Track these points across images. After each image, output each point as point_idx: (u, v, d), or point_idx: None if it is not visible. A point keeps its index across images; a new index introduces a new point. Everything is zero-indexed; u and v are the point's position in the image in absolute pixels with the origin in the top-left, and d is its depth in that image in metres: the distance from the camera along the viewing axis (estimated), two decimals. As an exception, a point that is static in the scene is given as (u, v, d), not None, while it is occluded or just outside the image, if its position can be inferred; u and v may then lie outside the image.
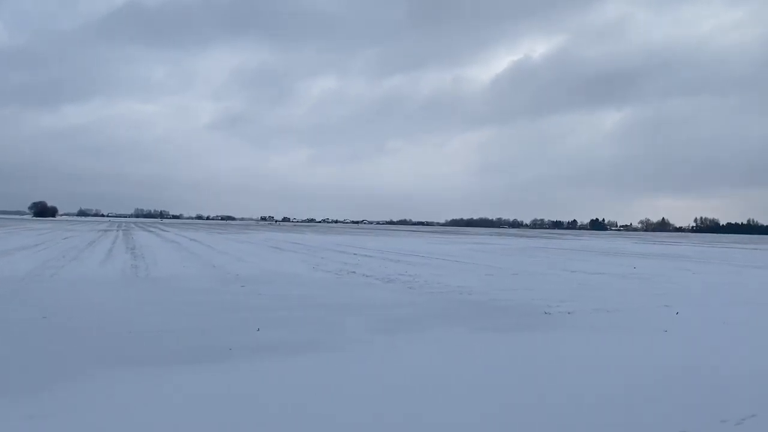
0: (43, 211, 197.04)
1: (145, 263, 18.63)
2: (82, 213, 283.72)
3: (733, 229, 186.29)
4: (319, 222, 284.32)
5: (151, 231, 56.79)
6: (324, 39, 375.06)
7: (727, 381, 6.05)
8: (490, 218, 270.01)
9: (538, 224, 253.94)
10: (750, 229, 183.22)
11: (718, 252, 38.72)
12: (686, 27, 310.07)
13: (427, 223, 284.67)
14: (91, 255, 21.64)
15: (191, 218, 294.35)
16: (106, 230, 55.81)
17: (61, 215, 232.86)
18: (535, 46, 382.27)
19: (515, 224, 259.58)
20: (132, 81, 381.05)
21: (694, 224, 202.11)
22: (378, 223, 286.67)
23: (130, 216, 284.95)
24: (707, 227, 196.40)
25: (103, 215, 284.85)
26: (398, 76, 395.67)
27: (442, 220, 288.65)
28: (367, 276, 16.08)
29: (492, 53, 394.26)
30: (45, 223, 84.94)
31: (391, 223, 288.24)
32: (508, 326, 8.99)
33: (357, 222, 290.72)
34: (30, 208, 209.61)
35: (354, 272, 17.15)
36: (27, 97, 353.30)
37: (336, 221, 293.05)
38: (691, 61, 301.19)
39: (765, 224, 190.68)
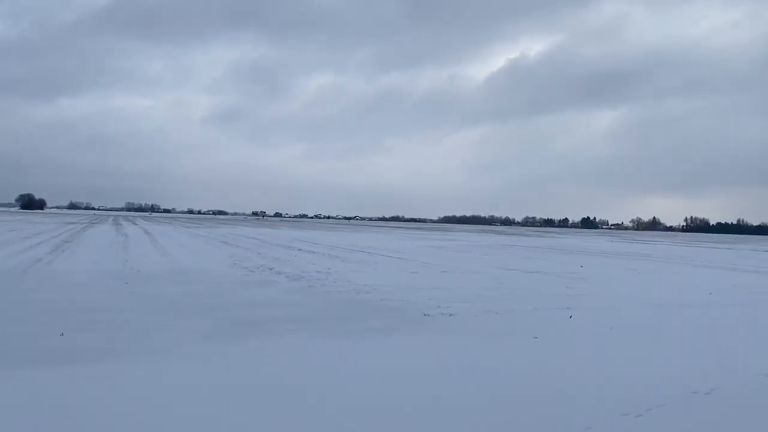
0: (30, 203, 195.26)
1: (57, 257, 17.69)
2: (72, 206, 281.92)
3: (723, 228, 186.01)
4: (311, 218, 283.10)
5: (120, 224, 55.73)
6: (321, 35, 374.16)
7: (557, 403, 5.12)
8: (483, 216, 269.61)
9: (529, 222, 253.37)
10: (740, 229, 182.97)
11: (687, 251, 37.95)
12: (682, 27, 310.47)
13: (420, 220, 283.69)
14: (6, 247, 20.66)
15: (182, 212, 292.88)
16: (73, 223, 54.72)
17: (51, 208, 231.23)
18: (532, 45, 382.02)
19: (507, 222, 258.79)
20: (128, 74, 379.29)
21: (685, 224, 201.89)
22: (370, 219, 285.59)
23: (121, 209, 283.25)
24: (697, 227, 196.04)
25: (93, 208, 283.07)
26: (395, 73, 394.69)
27: (435, 217, 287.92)
28: (279, 273, 15.17)
29: (489, 51, 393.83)
30: (19, 216, 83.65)
31: (383, 219, 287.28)
32: (371, 330, 8.13)
33: (349, 218, 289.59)
34: (17, 200, 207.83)
35: (271, 269, 16.24)
36: (22, 89, 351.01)
37: (328, 217, 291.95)
38: (686, 61, 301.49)
39: (755, 224, 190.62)
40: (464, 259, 22.70)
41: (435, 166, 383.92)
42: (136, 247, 23.45)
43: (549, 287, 13.97)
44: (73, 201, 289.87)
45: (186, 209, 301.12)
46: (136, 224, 58.76)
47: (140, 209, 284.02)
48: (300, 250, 25.19)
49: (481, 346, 7.30)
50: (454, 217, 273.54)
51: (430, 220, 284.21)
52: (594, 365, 6.50)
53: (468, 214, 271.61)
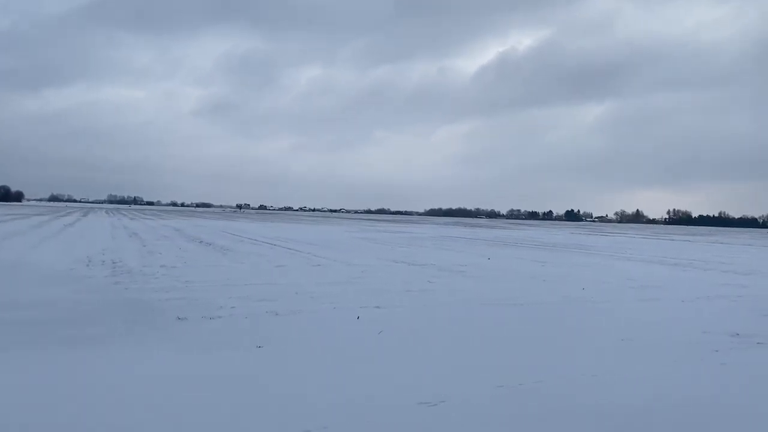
0: (5, 195, 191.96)
1: None
2: (53, 198, 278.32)
3: (704, 221, 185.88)
4: (296, 210, 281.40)
5: (59, 217, 53.82)
6: (312, 28, 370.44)
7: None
8: (469, 208, 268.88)
9: (514, 214, 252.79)
10: (720, 221, 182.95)
11: (636, 244, 36.63)
12: (669, 23, 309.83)
13: (406, 213, 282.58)
14: None
15: (165, 205, 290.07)
16: (24, 215, 52.77)
17: (30, 200, 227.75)
18: (521, 39, 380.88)
19: (492, 214, 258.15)
20: (117, 66, 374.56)
21: (667, 216, 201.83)
22: (356, 212, 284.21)
23: (103, 202, 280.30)
24: (680, 219, 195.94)
25: (75, 201, 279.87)
26: (385, 66, 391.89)
27: (422, 210, 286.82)
28: (115, 268, 13.57)
29: (479, 45, 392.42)
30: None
31: (368, 212, 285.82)
32: (84, 338, 6.53)
33: (334, 210, 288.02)
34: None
35: (115, 263, 14.63)
36: (10, 80, 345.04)
37: (314, 209, 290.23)
38: (673, 56, 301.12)
39: (736, 217, 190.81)
40: (366, 251, 21.15)
41: (424, 159, 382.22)
42: (33, 241, 21.74)
43: (407, 282, 12.44)
44: (55, 193, 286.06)
45: (169, 202, 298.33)
46: (85, 216, 56.86)
47: (122, 201, 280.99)
48: (201, 242, 23.55)
49: (185, 360, 5.74)
50: (440, 209, 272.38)
51: (417, 212, 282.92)
52: (294, 380, 4.93)
53: (454, 206, 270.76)
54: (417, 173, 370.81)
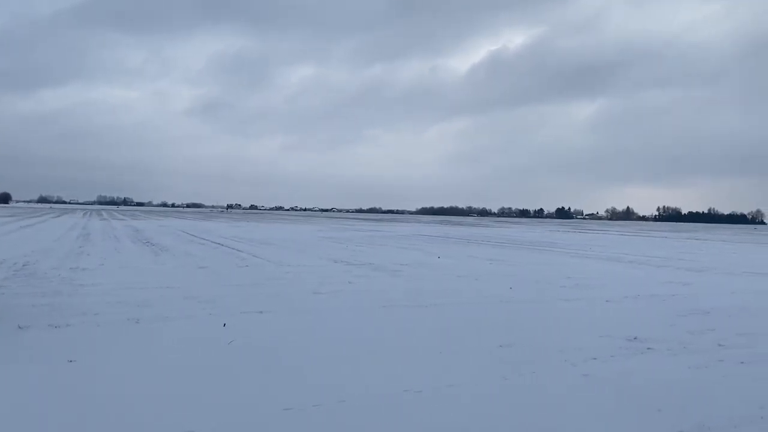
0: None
1: None
2: (42, 200, 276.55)
3: (693, 217, 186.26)
4: (287, 210, 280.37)
5: (41, 219, 52.85)
6: (304, 27, 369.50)
7: None
8: (461, 207, 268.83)
9: (505, 213, 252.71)
10: (710, 218, 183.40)
11: (607, 241, 36.04)
12: (660, 21, 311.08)
13: (398, 212, 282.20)
14: None
15: (156, 205, 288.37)
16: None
17: (18, 202, 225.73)
18: (513, 38, 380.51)
19: (483, 213, 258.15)
20: (109, 66, 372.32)
21: (657, 213, 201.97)
22: (347, 211, 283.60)
23: (93, 203, 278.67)
24: (669, 216, 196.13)
25: (64, 202, 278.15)
26: (378, 65, 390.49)
27: (413, 209, 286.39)
28: (24, 267, 12.80)
29: (472, 44, 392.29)
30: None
31: (360, 211, 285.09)
32: None
33: (325, 210, 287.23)
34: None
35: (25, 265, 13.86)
36: (2, 81, 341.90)
37: (304, 209, 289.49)
38: (663, 54, 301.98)
39: (726, 213, 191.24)
40: (315, 250, 20.37)
41: (416, 158, 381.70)
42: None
43: (325, 283, 11.71)
44: (44, 195, 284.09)
45: (160, 202, 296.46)
46: (57, 218, 55.87)
47: (112, 202, 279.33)
48: (146, 242, 22.74)
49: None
50: (432, 208, 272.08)
51: (409, 211, 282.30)
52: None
53: (446, 205, 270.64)
54: (409, 172, 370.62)
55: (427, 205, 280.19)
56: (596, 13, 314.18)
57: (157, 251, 18.48)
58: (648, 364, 5.90)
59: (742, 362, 6.03)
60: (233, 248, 20.53)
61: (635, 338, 7.12)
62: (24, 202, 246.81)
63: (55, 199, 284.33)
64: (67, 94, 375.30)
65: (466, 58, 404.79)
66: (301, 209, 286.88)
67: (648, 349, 6.58)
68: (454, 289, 11.30)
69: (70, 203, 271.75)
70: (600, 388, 5.04)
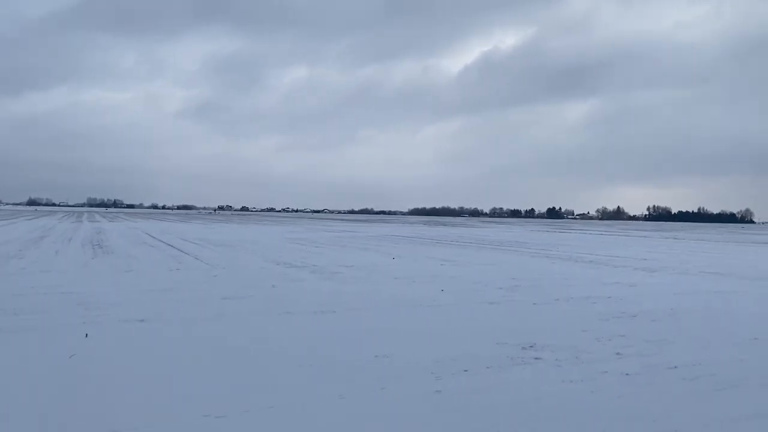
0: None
1: None
2: (31, 202, 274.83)
3: (683, 217, 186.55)
4: (278, 211, 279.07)
5: (7, 222, 51.93)
6: (297, 29, 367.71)
7: None
8: (453, 207, 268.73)
9: (497, 213, 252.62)
10: (699, 217, 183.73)
11: (576, 240, 35.56)
12: (649, 22, 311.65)
13: (389, 213, 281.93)
14: None
15: (147, 207, 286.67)
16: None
17: (6, 204, 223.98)
18: (505, 38, 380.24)
19: (475, 213, 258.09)
20: (101, 69, 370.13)
21: (647, 212, 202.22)
22: (339, 212, 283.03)
23: (83, 205, 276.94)
24: (659, 215, 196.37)
25: (54, 204, 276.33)
26: (371, 66, 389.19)
27: (405, 210, 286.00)
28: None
29: (464, 44, 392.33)
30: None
31: (352, 212, 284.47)
32: None
33: (317, 211, 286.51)
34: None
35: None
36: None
37: (296, 210, 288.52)
38: (653, 55, 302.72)
39: (715, 212, 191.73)
40: (267, 252, 19.73)
41: (409, 159, 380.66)
42: None
43: (247, 287, 11.09)
44: (33, 197, 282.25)
45: (150, 204, 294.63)
46: (29, 221, 54.94)
47: (102, 205, 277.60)
48: (95, 245, 22.04)
49: None
50: (424, 209, 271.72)
51: (401, 212, 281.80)
52: None
53: (438, 206, 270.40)
54: (402, 173, 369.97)
55: (420, 206, 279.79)
56: (587, 14, 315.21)
57: (97, 254, 17.80)
58: (520, 378, 5.32)
59: (627, 374, 5.46)
60: (181, 250, 19.85)
61: (531, 346, 6.55)
62: (12, 204, 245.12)
63: (44, 201, 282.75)
64: (57, 96, 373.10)
65: (459, 59, 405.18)
66: (292, 210, 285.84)
67: (536, 359, 6.00)
68: (379, 293, 10.70)
69: (59, 206, 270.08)
70: (435, 408, 4.44)
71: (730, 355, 6.33)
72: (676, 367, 5.72)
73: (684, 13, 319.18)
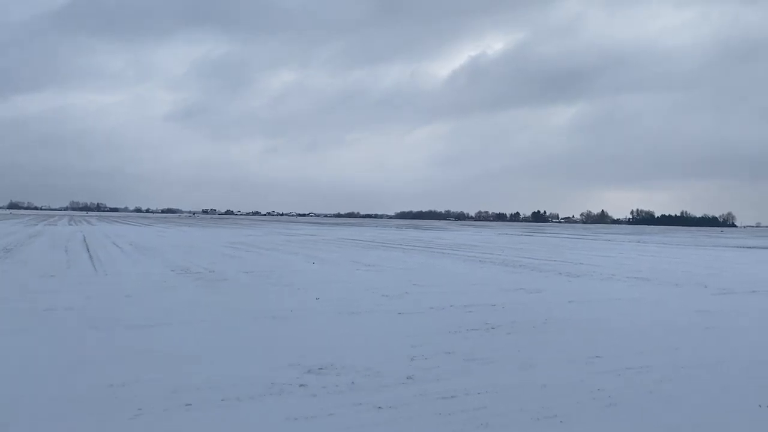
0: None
1: None
2: (12, 206, 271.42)
3: (666, 220, 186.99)
4: (264, 215, 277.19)
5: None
6: (286, 32, 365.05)
7: None
8: (440, 211, 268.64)
9: (482, 216, 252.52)
10: (682, 220, 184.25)
11: (528, 243, 34.77)
12: (636, 27, 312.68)
13: (376, 216, 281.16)
14: None
15: (131, 211, 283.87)
16: None
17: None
18: (493, 43, 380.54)
19: (461, 216, 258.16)
20: (88, 72, 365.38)
21: (631, 216, 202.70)
22: (325, 215, 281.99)
23: (66, 209, 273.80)
24: (642, 219, 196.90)
25: (36, 208, 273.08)
26: (359, 70, 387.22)
27: (392, 213, 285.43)
28: None
29: (453, 49, 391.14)
30: None
31: (338, 215, 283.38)
32: None
33: (302, 215, 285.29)
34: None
35: None
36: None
37: (282, 214, 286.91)
38: (639, 60, 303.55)
39: (698, 216, 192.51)
40: (190, 256, 18.69)
41: (397, 162, 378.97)
42: None
43: (100, 295, 10.09)
44: (14, 200, 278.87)
45: (134, 208, 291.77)
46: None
47: (85, 208, 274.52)
48: (5, 251, 20.91)
49: None
50: (410, 212, 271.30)
51: (387, 215, 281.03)
52: None
53: (425, 209, 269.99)
54: (390, 176, 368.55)
55: (406, 209, 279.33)
56: (575, 20, 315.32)
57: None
58: (259, 412, 4.36)
59: (379, 407, 4.50)
60: (94, 255, 18.76)
61: (321, 368, 5.60)
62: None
63: (26, 204, 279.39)
64: (43, 99, 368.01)
65: (447, 63, 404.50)
66: (277, 214, 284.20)
67: (301, 386, 5.04)
68: (237, 304, 9.72)
69: (41, 209, 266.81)
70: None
71: (551, 379, 5.40)
72: (453, 396, 4.77)
73: (671, 19, 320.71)
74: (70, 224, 54.93)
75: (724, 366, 6.06)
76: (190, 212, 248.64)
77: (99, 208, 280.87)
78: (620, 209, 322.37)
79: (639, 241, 41.05)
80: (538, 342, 7.02)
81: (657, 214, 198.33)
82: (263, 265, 16.36)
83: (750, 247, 35.37)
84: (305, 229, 57.31)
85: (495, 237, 44.36)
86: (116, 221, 73.21)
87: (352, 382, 5.14)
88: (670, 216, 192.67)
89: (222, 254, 20.32)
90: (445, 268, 17.00)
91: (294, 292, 11.08)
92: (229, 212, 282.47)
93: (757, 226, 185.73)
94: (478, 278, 14.26)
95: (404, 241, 34.63)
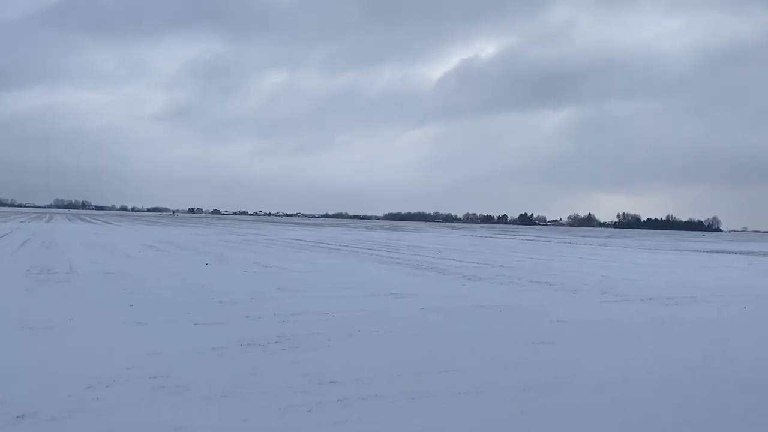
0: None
1: None
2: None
3: (652, 224, 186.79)
4: (251, 215, 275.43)
5: None
6: (278, 34, 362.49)
7: None
8: (428, 212, 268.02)
9: (470, 218, 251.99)
10: (668, 224, 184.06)
11: (489, 245, 33.68)
12: (625, 34, 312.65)
13: (364, 217, 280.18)
14: None
15: (117, 210, 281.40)
16: None
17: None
18: (485, 47, 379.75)
19: (449, 218, 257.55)
20: (79, 71, 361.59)
21: (617, 219, 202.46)
22: (312, 216, 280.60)
23: (50, 206, 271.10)
24: (628, 222, 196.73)
25: (20, 205, 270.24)
26: (351, 72, 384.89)
27: (381, 214, 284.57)
28: None
29: (444, 53, 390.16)
30: None
31: (326, 216, 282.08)
32: None
33: (290, 215, 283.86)
34: None
35: None
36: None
37: (269, 214, 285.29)
38: (628, 65, 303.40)
39: (684, 220, 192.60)
40: (74, 256, 17.43)
41: (387, 164, 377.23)
42: None
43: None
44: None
45: (120, 206, 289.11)
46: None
47: (71, 206, 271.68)
48: None
49: None
50: (399, 214, 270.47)
51: (376, 216, 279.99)
52: None
53: (414, 210, 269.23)
54: (379, 178, 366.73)
55: (395, 211, 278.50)
56: (565, 25, 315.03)
57: None
58: None
59: None
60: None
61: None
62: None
63: (9, 201, 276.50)
64: (33, 97, 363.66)
65: (439, 67, 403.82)
66: (265, 214, 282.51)
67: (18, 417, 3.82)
68: (42, 306, 8.49)
69: (25, 206, 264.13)
70: None
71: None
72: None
73: (659, 26, 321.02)
74: (35, 221, 53.40)
75: (483, 394, 4.89)
76: (170, 211, 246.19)
77: (84, 206, 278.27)
78: (608, 213, 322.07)
79: (599, 245, 40.03)
80: (291, 360, 5.84)
81: (643, 218, 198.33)
82: (140, 267, 15.08)
83: (712, 252, 34.34)
84: (269, 228, 56.00)
85: (458, 239, 43.25)
86: (83, 219, 71.59)
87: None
88: (655, 220, 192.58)
89: (124, 254, 19.04)
90: (350, 270, 15.81)
91: (118, 297, 9.78)
92: (215, 212, 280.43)
93: (743, 231, 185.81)
94: (369, 280, 13.10)
95: (354, 242, 33.44)
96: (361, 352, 6.28)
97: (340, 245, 28.76)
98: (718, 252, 34.03)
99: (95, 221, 63.42)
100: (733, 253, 33.39)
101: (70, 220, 65.16)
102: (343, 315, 8.51)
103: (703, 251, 34.83)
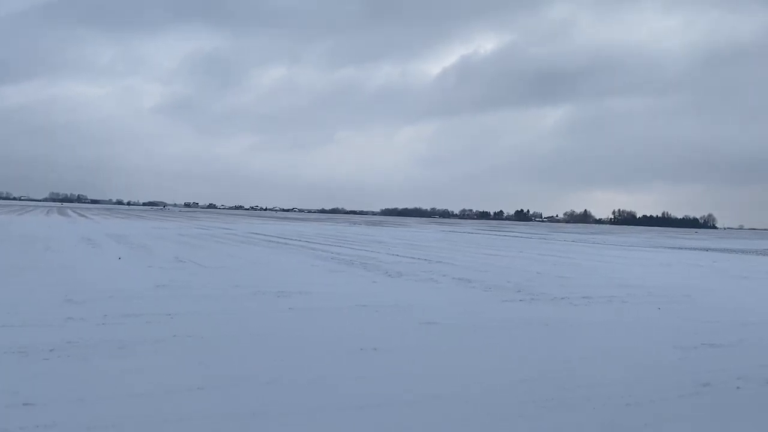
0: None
1: None
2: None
3: (647, 221, 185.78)
4: (247, 209, 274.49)
5: None
6: (277, 29, 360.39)
7: None
8: (425, 208, 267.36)
9: (466, 214, 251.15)
10: (663, 221, 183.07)
11: (463, 240, 32.84)
12: (624, 32, 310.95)
13: (360, 212, 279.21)
14: None
15: (113, 203, 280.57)
16: None
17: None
18: (484, 44, 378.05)
19: (445, 214, 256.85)
20: (77, 64, 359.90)
21: (613, 216, 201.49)
22: (309, 211, 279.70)
23: (44, 200, 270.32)
24: (624, 219, 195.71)
25: (14, 198, 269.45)
26: (350, 67, 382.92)
27: (377, 209, 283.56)
28: None
29: (443, 49, 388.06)
30: None
31: (322, 211, 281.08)
32: None
33: (286, 210, 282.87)
34: None
35: None
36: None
37: (265, 209, 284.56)
38: (626, 64, 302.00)
39: (679, 217, 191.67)
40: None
41: (385, 160, 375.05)
42: None
43: None
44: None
45: (116, 200, 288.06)
46: None
47: (66, 200, 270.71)
48: None
49: None
50: (396, 209, 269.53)
51: (372, 212, 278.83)
52: None
53: (411, 206, 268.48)
54: (377, 173, 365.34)
55: (392, 206, 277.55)
56: (565, 23, 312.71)
57: None
58: None
59: None
60: None
61: None
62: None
63: (5, 195, 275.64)
64: (30, 90, 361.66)
65: (438, 63, 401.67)
66: (260, 209, 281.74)
67: None
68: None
69: (20, 200, 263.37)
70: None
71: None
72: None
73: (657, 24, 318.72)
74: (18, 215, 52.61)
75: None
76: (162, 206, 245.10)
77: (80, 199, 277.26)
78: (604, 210, 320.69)
79: (574, 241, 39.16)
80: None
81: (639, 215, 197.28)
82: (41, 260, 14.24)
83: (688, 249, 33.43)
84: (242, 223, 55.12)
85: (431, 234, 42.42)
86: (61, 213, 70.76)
87: None
88: (651, 217, 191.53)
89: (45, 248, 18.18)
90: (265, 266, 14.95)
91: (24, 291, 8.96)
92: (211, 206, 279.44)
93: (739, 229, 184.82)
94: (270, 278, 12.22)
95: (315, 236, 32.58)
96: (114, 365, 5.41)
97: (295, 240, 27.88)
98: (693, 249, 33.13)
99: (73, 214, 62.61)
100: (705, 250, 32.49)
101: (47, 213, 64.32)
102: (184, 317, 7.62)
103: (679, 248, 33.95)
